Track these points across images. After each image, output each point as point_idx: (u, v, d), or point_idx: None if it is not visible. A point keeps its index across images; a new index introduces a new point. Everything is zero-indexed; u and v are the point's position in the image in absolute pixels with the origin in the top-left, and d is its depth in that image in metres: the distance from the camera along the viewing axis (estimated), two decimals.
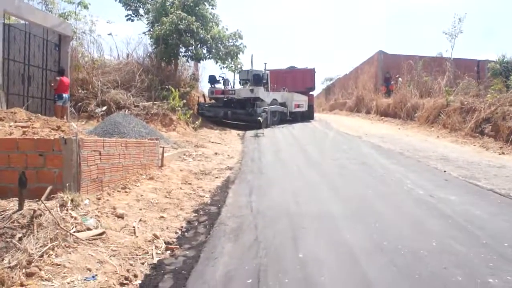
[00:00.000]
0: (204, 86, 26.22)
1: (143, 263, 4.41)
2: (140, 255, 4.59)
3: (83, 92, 16.99)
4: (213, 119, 22.45)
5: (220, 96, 23.45)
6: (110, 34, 24.60)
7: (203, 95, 24.73)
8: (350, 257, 4.41)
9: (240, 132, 20.23)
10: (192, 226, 5.83)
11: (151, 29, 21.79)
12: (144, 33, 22.35)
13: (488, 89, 17.61)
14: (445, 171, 9.44)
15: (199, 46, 21.54)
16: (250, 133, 19.53)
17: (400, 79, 27.05)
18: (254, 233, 5.29)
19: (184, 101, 18.79)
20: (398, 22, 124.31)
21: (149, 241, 5.03)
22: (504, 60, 25.01)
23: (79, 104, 16.55)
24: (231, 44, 22.99)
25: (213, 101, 24.24)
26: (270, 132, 19.70)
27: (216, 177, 9.36)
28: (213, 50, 22.37)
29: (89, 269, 3.94)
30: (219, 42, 22.37)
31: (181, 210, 6.61)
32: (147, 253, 4.70)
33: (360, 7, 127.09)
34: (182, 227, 5.79)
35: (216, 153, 12.98)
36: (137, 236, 5.06)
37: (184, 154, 11.89)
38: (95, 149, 6.54)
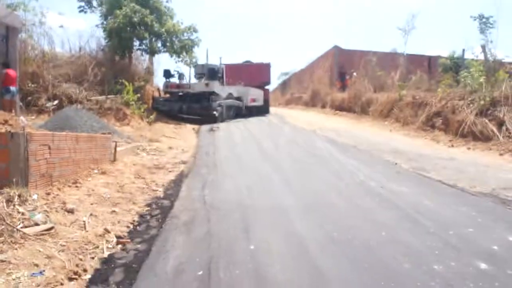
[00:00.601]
0: (159, 81, 25.96)
1: (93, 258, 4.35)
2: (90, 250, 4.52)
3: (33, 85, 16.48)
4: (168, 114, 22.21)
5: (175, 90, 23.26)
6: (61, 26, 24.08)
7: (158, 89, 24.48)
8: (301, 248, 4.47)
9: (195, 127, 20.11)
10: (144, 220, 5.77)
11: (104, 22, 21.33)
12: (97, 25, 21.85)
13: (439, 84, 18.10)
14: (396, 164, 9.68)
15: (153, 39, 21.26)
16: (205, 127, 19.46)
17: (355, 74, 27.48)
18: (206, 226, 5.29)
19: (139, 95, 18.50)
20: (354, 17, 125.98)
21: (100, 235, 4.96)
22: (454, 56, 25.73)
23: (29, 98, 16.06)
24: (186, 37, 22.79)
25: (168, 95, 24.01)
26: (226, 127, 19.69)
27: (170, 171, 9.29)
28: (168, 44, 22.12)
29: (37, 265, 3.86)
30: (174, 36, 22.13)
31: (134, 204, 6.54)
32: (98, 247, 4.63)
33: (317, 1, 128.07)
34: (134, 221, 5.72)
35: (170, 148, 12.89)
36: (87, 231, 4.98)
37: (138, 149, 11.76)
38: (44, 143, 6.39)
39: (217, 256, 4.24)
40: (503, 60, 16.52)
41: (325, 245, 4.55)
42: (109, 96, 17.33)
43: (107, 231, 5.12)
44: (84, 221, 5.28)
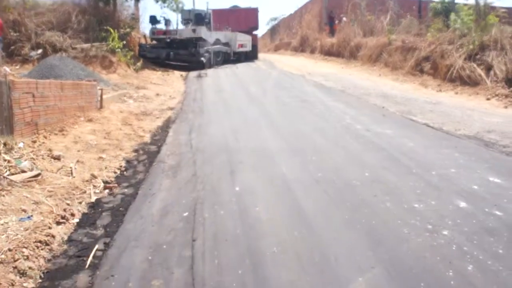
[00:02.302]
0: (146, 27, 25.36)
1: (80, 203, 4.42)
2: (77, 195, 4.59)
3: (15, 34, 16.11)
4: (155, 61, 21.90)
5: (162, 36, 22.81)
6: None
7: (144, 36, 24.02)
8: (285, 189, 4.56)
9: (183, 73, 19.92)
10: (131, 165, 5.84)
11: None
12: None
13: (429, 28, 17.89)
14: (383, 107, 9.71)
15: None
16: (193, 73, 19.28)
17: (344, 18, 27.08)
18: (192, 169, 5.36)
19: (124, 42, 18.14)
20: None
21: (87, 181, 5.02)
22: (445, 0, 25.34)
23: (12, 47, 15.75)
24: None
25: (154, 42, 23.61)
26: (213, 73, 19.52)
27: (157, 118, 9.30)
28: None
29: (24, 210, 3.92)
30: None
31: (121, 150, 6.57)
32: (85, 192, 4.70)
33: None
34: (121, 166, 5.78)
35: (157, 94, 12.83)
36: (74, 177, 5.03)
37: (125, 96, 11.70)
38: (28, 91, 6.34)
39: (203, 198, 4.33)
40: (493, 4, 16.29)
41: (309, 185, 4.64)
42: (94, 44, 16.98)
43: (94, 176, 5.18)
44: (71, 168, 5.33)
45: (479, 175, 4.88)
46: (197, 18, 21.99)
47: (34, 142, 6.10)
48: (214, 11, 24.86)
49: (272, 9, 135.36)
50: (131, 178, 5.28)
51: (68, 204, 4.28)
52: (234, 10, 29.27)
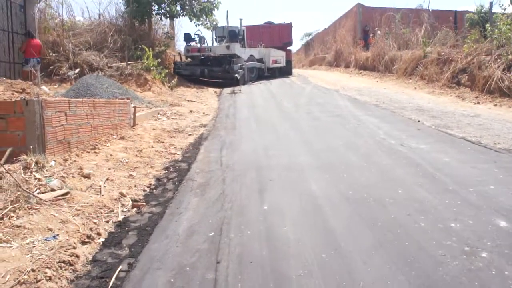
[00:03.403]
0: (181, 45, 25.73)
1: (107, 221, 4.37)
2: (105, 214, 4.55)
3: (54, 55, 16.55)
4: (190, 78, 22.17)
5: (196, 54, 23.07)
6: None
7: (179, 54, 24.32)
8: (314, 207, 4.41)
9: (217, 90, 20.04)
10: (161, 183, 5.79)
11: None
12: None
13: (466, 39, 17.52)
14: (418, 121, 9.48)
15: (172, 3, 20.99)
16: (227, 90, 19.36)
17: (378, 32, 26.85)
18: (221, 187, 5.27)
19: (159, 60, 18.43)
20: None
21: (115, 199, 4.99)
22: (482, 10, 24.85)
23: (51, 67, 16.17)
24: (205, 0, 22.46)
25: (189, 59, 23.88)
26: (247, 89, 19.56)
27: (190, 135, 9.29)
28: (187, 7, 21.87)
29: (51, 229, 3.89)
30: None
31: (151, 168, 6.56)
32: (113, 211, 4.66)
33: None
34: (150, 184, 5.74)
35: (191, 111, 12.87)
36: (102, 195, 5.00)
37: (158, 113, 11.76)
38: (60, 110, 6.40)
39: (229, 217, 4.22)
40: None
41: (339, 204, 4.47)
42: (129, 62, 17.28)
43: (122, 195, 5.15)
44: (100, 186, 5.32)
45: None
46: (230, 35, 22.16)
47: (66, 160, 6.13)
48: (248, 27, 25.00)
49: (306, 24, 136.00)
50: (160, 197, 5.22)
51: (95, 223, 4.24)
52: (268, 26, 29.37)
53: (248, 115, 11.74)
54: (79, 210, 4.47)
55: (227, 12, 35.69)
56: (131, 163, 6.72)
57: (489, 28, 15.87)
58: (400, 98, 13.86)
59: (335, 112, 11.12)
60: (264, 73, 25.19)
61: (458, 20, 25.95)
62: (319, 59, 39.71)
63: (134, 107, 9.85)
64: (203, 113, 12.71)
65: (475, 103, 12.43)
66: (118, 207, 4.77)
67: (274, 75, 26.29)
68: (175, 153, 7.54)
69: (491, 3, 19.40)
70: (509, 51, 13.20)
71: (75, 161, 6.22)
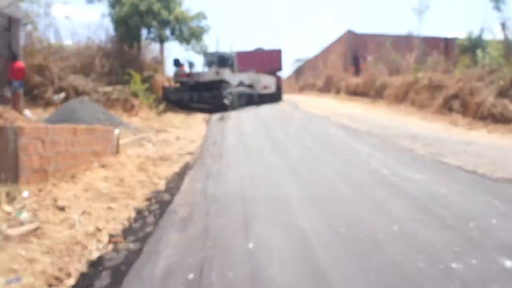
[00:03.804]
0: (171, 70, 25.56)
1: (80, 260, 4.03)
2: (78, 251, 4.20)
3: (39, 78, 16.22)
4: (179, 103, 21.91)
5: (185, 79, 22.87)
6: (67, 17, 23.66)
7: (168, 79, 24.13)
8: (304, 245, 4.09)
9: (206, 116, 19.76)
10: (141, 216, 5.45)
11: (112, 11, 20.95)
12: (103, 15, 21.46)
13: (456, 65, 17.50)
14: (412, 149, 9.21)
15: (161, 27, 20.82)
16: (216, 116, 19.10)
17: (369, 58, 26.89)
18: (204, 221, 4.93)
19: (147, 85, 18.14)
20: (368, 1, 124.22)
21: (91, 234, 4.64)
22: (472, 37, 25.00)
23: (36, 91, 15.83)
24: (195, 25, 22.34)
25: (178, 84, 23.66)
26: (236, 115, 19.32)
27: (175, 163, 8.96)
28: (177, 32, 21.72)
29: (15, 270, 3.54)
30: (183, 23, 21.68)
31: (132, 199, 6.22)
32: (87, 248, 4.31)
33: None
34: (130, 217, 5.40)
35: (178, 138, 12.55)
36: (77, 230, 4.66)
37: (144, 140, 11.44)
38: (37, 137, 6.07)
39: (211, 257, 3.89)
40: None
41: (330, 241, 4.16)
42: (116, 87, 16.99)
43: (99, 229, 4.80)
44: (75, 219, 4.97)
45: None
46: (220, 60, 22.04)
47: (41, 190, 5.78)
48: (238, 53, 24.90)
49: (297, 50, 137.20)
50: (139, 231, 4.88)
51: (65, 262, 3.90)
52: (258, 52, 29.33)
53: (236, 142, 11.45)
54: (50, 247, 4.13)
55: (217, 37, 35.75)
56: (111, 193, 6.38)
57: (480, 54, 15.84)
58: (392, 125, 13.64)
59: (325, 140, 10.85)
60: (254, 99, 24.98)
61: (449, 46, 26.07)
62: (309, 85, 39.76)
63: (118, 133, 9.53)
64: (191, 140, 12.39)
65: (468, 129, 12.25)
66: (93, 243, 4.42)
67: (264, 101, 26.10)
68: (159, 183, 7.21)
69: (481, 29, 19.48)
70: (500, 77, 13.10)
71: (51, 191, 5.86)
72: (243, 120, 17.32)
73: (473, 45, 22.76)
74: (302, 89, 41.67)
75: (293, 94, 39.92)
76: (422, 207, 5.17)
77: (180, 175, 7.73)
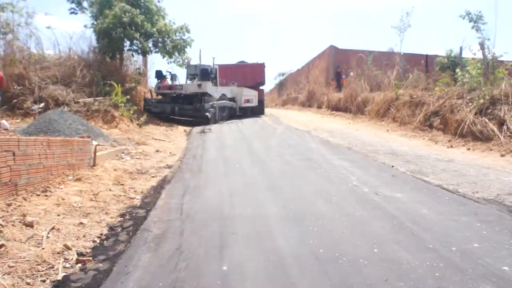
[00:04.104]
0: (153, 82, 25.34)
1: (44, 281, 3.82)
2: (42, 271, 3.99)
3: (18, 88, 15.94)
4: (161, 116, 21.73)
5: (167, 91, 22.70)
6: (49, 27, 23.32)
7: (150, 91, 23.92)
8: (280, 268, 3.92)
9: (187, 128, 19.58)
10: (113, 233, 5.25)
11: (95, 22, 20.70)
12: (85, 26, 21.18)
13: (437, 82, 17.58)
14: (392, 166, 9.14)
15: (144, 39, 20.62)
16: (197, 129, 18.93)
17: (351, 73, 26.95)
18: (178, 240, 4.74)
19: (128, 97, 17.91)
20: (349, 17, 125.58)
21: (58, 253, 4.43)
22: (452, 54, 25.20)
23: (14, 101, 15.54)
24: (178, 38, 22.17)
25: (160, 96, 23.47)
26: (218, 128, 19.16)
27: (153, 176, 8.77)
28: (160, 44, 21.54)
29: None
30: (166, 36, 21.50)
31: (106, 215, 6.02)
32: (53, 267, 4.10)
33: (312, 1, 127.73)
34: (101, 234, 5.20)
35: (157, 151, 12.35)
36: (43, 248, 4.44)
37: (123, 152, 11.22)
38: (7, 149, 5.87)
39: (183, 280, 3.70)
40: (501, 58, 15.99)
41: (308, 265, 3.98)
42: (97, 98, 16.75)
43: (67, 247, 4.59)
44: (43, 236, 4.75)
45: (509, 251, 4.21)
46: (203, 73, 21.93)
47: (9, 205, 5.56)
48: (221, 66, 24.79)
49: (280, 64, 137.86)
50: (110, 249, 4.68)
51: (28, 283, 3.69)
52: (241, 65, 29.22)
53: (216, 156, 11.28)
54: (12, 266, 3.92)
55: (200, 50, 35.56)
56: (84, 208, 6.18)
57: (460, 72, 15.93)
58: (372, 141, 13.60)
59: (306, 155, 10.73)
60: (236, 112, 24.87)
61: (429, 64, 26.23)
62: (292, 99, 39.77)
63: (95, 146, 9.32)
64: (170, 153, 12.20)
65: (448, 147, 12.24)
66: (59, 263, 4.21)
67: (246, 114, 26.00)
68: (134, 198, 7.02)
69: (461, 48, 19.64)
70: (480, 95, 13.15)
71: (20, 206, 5.65)
72: (224, 134, 17.16)
73: (453, 63, 22.93)
74: (284, 103, 41.67)
75: (275, 108, 39.94)
76: (403, 227, 5.03)
77: (157, 190, 7.54)
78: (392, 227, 5.08)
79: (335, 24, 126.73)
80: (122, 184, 7.92)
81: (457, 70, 16.79)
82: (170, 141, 15.24)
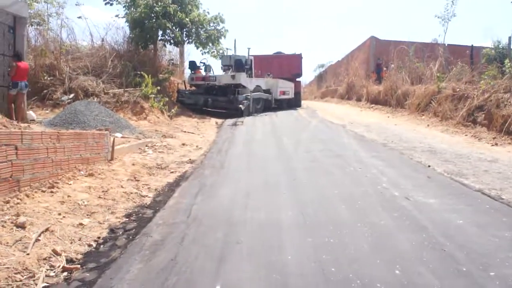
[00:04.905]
0: (189, 73, 24.96)
1: None
2: (21, 281, 3.58)
3: (49, 78, 15.82)
4: (194, 107, 21.38)
5: (201, 82, 22.32)
6: (80, 17, 23.26)
7: (184, 82, 23.59)
8: None
9: (220, 121, 19.17)
10: (113, 236, 4.82)
11: (127, 12, 20.49)
12: (117, 16, 20.95)
13: (482, 75, 16.53)
14: (429, 166, 8.37)
15: (177, 29, 20.28)
16: (229, 121, 18.50)
17: (392, 65, 25.95)
18: (175, 249, 4.24)
19: (158, 88, 17.62)
20: (391, 6, 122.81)
21: (45, 259, 4.03)
22: (500, 46, 23.92)
23: (45, 91, 15.44)
24: (212, 28, 21.76)
25: (193, 88, 23.13)
26: (251, 121, 18.67)
27: (172, 172, 8.36)
28: (193, 35, 21.18)
29: None
30: (199, 26, 21.14)
31: (112, 214, 5.62)
32: (34, 276, 3.69)
33: None
34: (99, 238, 4.78)
35: (183, 144, 11.95)
36: (28, 254, 4.04)
37: (147, 146, 10.86)
38: (8, 143, 5.52)
39: None
40: None
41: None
42: (127, 89, 16.50)
43: (55, 253, 4.17)
44: (33, 239, 4.36)
45: None
46: (237, 64, 21.40)
47: (7, 202, 5.21)
48: (256, 57, 24.26)
49: (319, 55, 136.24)
50: (104, 256, 4.24)
51: None
52: (277, 56, 28.63)
53: (242, 151, 10.77)
54: None
55: (234, 40, 34.66)
56: (90, 206, 5.80)
57: (508, 64, 14.87)
58: (410, 137, 12.82)
59: (336, 152, 10.08)
60: (271, 104, 24.32)
61: (475, 56, 24.96)
62: (331, 91, 38.91)
63: (114, 138, 8.96)
64: (196, 146, 11.78)
65: (493, 145, 11.36)
66: (42, 271, 3.79)
67: (281, 106, 25.43)
68: (146, 196, 6.60)
69: (509, 38, 18.47)
70: None
71: (18, 203, 5.29)
72: (255, 126, 16.66)
73: (501, 55, 21.71)
74: (323, 95, 40.84)
75: (314, 100, 39.17)
76: (432, 242, 4.32)
77: (172, 188, 7.11)
78: (421, 242, 4.36)
79: (376, 14, 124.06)
80: (138, 180, 7.53)
81: (506, 61, 15.69)
82: (199, 133, 14.84)
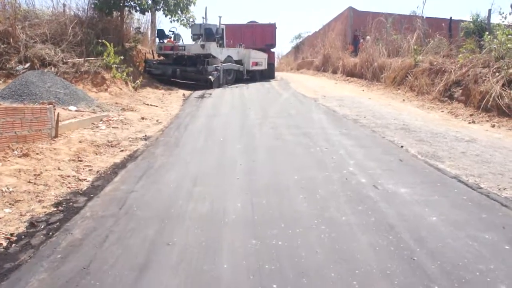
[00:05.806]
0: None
1: None
2: None
3: (3, 46, 14.73)
4: (161, 78, 20.48)
5: (169, 52, 21.31)
6: None
7: (152, 51, 22.58)
8: None
9: (187, 93, 18.31)
10: (30, 233, 4.11)
11: None
12: None
13: (460, 49, 15.97)
14: (402, 147, 7.72)
15: None
16: (197, 93, 17.66)
17: (368, 37, 25.24)
18: (92, 252, 3.55)
19: (122, 57, 16.59)
20: None
21: None
22: (478, 19, 23.38)
23: None
24: None
25: (162, 58, 22.15)
26: (220, 93, 17.87)
27: (122, 150, 7.64)
28: (161, 1, 20.09)
29: None
30: None
31: (39, 203, 4.90)
32: None
33: None
34: (13, 234, 4.07)
35: (142, 118, 11.16)
36: None
37: (101, 120, 10.05)
38: None
39: None
40: None
41: None
42: (87, 59, 15.50)
43: None
44: None
45: None
46: (207, 33, 20.45)
47: None
48: (228, 26, 23.35)
49: (296, 26, 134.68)
50: (10, 260, 3.55)
51: None
52: (250, 25, 27.71)
53: (202, 127, 10.00)
54: None
55: (206, 8, 33.39)
56: (15, 193, 5.07)
57: (488, 37, 14.29)
58: (384, 112, 12.21)
59: (304, 129, 9.39)
60: (243, 76, 23.49)
61: (453, 29, 24.40)
62: (307, 63, 38.17)
63: (58, 113, 8.15)
64: (156, 120, 11.01)
65: (470, 122, 10.83)
66: None
67: (254, 78, 24.64)
68: (84, 180, 5.88)
69: (489, 11, 17.91)
70: (509, 64, 11.63)
71: None
72: (223, 99, 15.87)
73: (480, 29, 21.18)
74: (299, 67, 40.10)
75: (290, 72, 38.43)
76: (400, 249, 3.62)
77: (116, 170, 6.39)
78: (386, 246, 3.68)
79: None
80: (80, 161, 6.78)
81: (485, 35, 15.10)
82: (162, 106, 14.01)
